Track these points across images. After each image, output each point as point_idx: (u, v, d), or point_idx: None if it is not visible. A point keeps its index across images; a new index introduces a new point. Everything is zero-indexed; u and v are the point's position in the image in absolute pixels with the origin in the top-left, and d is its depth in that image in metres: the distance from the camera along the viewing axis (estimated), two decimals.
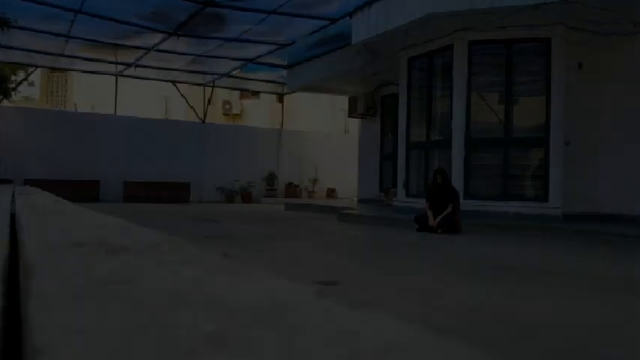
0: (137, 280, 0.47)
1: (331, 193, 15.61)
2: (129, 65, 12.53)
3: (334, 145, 16.20)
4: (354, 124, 14.58)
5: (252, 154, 14.75)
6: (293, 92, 14.62)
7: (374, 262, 4.00)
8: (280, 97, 16.68)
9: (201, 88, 14.44)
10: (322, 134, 16.93)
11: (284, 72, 12.60)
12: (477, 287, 3.02)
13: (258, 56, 11.46)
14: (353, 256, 4.41)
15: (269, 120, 19.66)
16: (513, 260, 4.24)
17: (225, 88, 15.71)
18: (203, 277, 0.50)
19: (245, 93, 20.21)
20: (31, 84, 20.83)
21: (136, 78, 13.75)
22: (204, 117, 14.34)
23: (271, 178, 15.01)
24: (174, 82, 13.89)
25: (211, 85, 14.17)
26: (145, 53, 11.44)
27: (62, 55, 11.75)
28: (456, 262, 4.05)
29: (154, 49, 11.06)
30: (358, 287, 2.93)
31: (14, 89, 12.08)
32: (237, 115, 21.56)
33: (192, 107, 14.20)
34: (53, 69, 14.22)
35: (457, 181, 7.31)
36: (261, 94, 19.79)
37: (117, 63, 12.47)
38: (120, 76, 13.35)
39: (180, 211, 10.10)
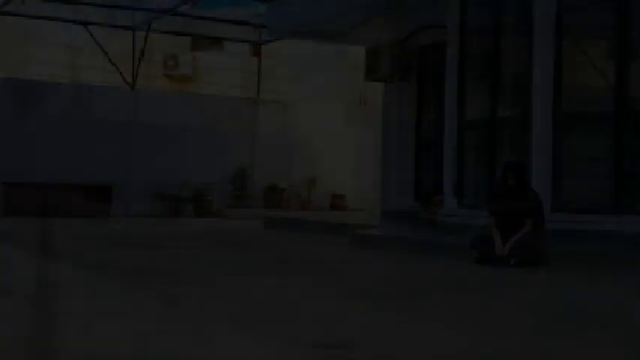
0: (21, 342, 0.46)
1: (338, 201, 15.61)
2: None
3: (343, 125, 16.17)
4: (376, 91, 14.57)
5: (212, 141, 14.73)
6: (277, 40, 14.58)
7: (405, 314, 3.99)
8: (257, 49, 16.64)
9: (130, 34, 14.46)
10: (324, 108, 16.89)
11: (262, 8, 12.58)
12: None
13: None
14: (373, 302, 4.39)
15: (239, 85, 19.65)
16: None
17: (169, 33, 15.67)
18: (133, 337, 0.50)
19: (200, 42, 20.20)
20: None
21: (24, 17, 13.72)
22: (134, 80, 14.34)
23: (242, 179, 15.00)
24: (85, 25, 13.90)
25: (145, 28, 14.17)
26: None
27: None
28: (547, 319, 3.90)
29: None
30: (381, 355, 2.92)
31: None
32: (187, 77, 21.55)
33: (114, 64, 14.20)
34: None
35: (539, 183, 7.31)
36: (227, 44, 19.75)
37: None
38: None
39: (97, 230, 10.10)
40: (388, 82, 12.20)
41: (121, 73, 14.27)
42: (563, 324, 3.76)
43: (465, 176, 8.65)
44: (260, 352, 1.99)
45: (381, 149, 12.58)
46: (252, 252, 7.58)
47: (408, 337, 3.33)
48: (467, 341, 3.26)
